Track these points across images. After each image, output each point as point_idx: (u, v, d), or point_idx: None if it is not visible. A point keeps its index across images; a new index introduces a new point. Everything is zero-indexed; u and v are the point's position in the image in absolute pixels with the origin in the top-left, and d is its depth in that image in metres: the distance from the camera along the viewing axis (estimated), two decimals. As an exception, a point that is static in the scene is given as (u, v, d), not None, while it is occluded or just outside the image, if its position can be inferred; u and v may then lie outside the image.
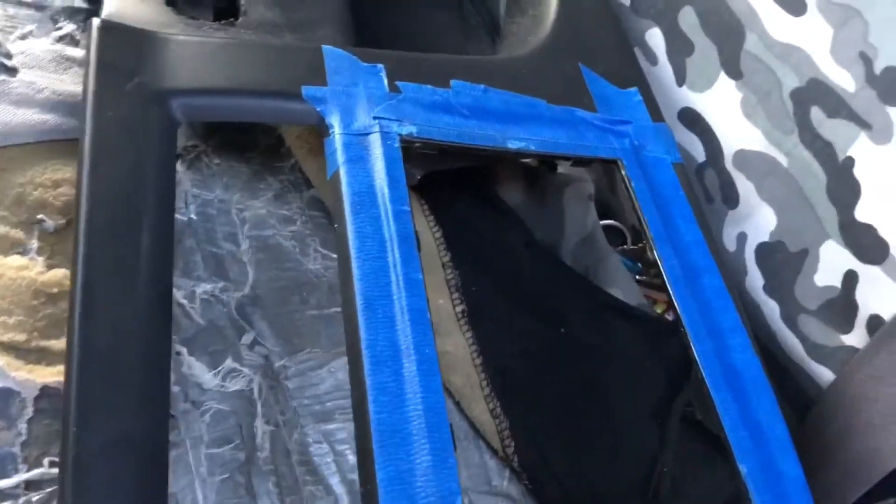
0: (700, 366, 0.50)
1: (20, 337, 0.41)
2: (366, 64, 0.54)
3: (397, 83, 0.54)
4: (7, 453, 0.39)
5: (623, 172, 0.57)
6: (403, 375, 0.42)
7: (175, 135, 0.49)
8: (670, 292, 0.53)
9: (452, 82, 0.56)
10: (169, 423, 0.40)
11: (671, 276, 0.53)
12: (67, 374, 0.38)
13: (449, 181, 0.62)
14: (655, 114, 0.62)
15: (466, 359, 0.55)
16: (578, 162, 0.61)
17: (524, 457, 0.54)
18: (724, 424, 0.49)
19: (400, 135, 0.51)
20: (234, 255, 0.53)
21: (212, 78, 0.50)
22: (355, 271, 0.44)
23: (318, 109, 0.50)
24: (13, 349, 0.41)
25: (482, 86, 0.57)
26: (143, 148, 0.46)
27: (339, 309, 0.53)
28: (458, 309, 0.57)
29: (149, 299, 0.41)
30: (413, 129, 0.52)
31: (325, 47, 0.54)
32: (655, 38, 0.68)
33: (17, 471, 0.38)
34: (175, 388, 0.44)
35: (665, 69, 0.68)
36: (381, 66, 0.54)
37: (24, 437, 0.39)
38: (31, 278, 0.42)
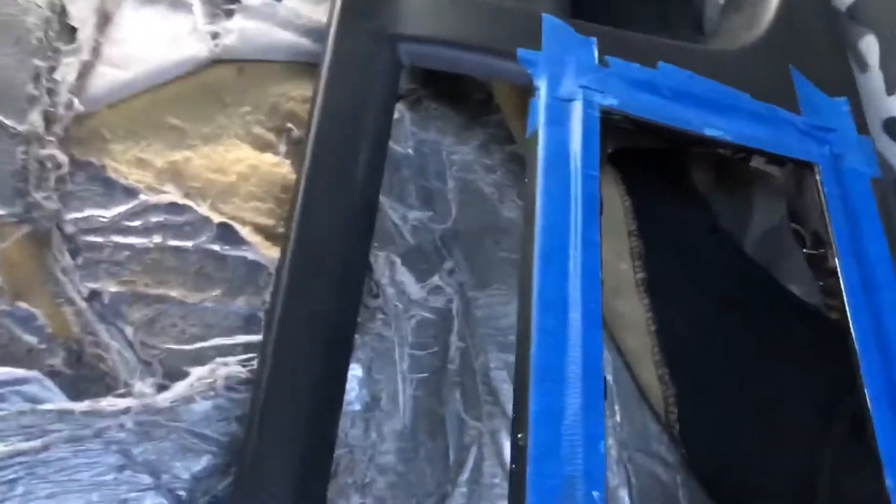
0: (862, 376, 0.50)
1: (269, 221, 0.47)
2: (580, 35, 0.57)
3: (606, 57, 0.56)
4: (254, 315, 0.44)
5: (818, 178, 0.57)
6: (568, 323, 0.45)
7: (398, 75, 0.54)
8: (845, 302, 0.53)
9: (660, 64, 0.58)
10: (359, 309, 0.45)
11: (848, 287, 0.53)
12: (282, 257, 0.44)
13: (643, 157, 0.64)
14: (862, 126, 0.61)
15: (641, 324, 0.57)
16: (773, 160, 0.62)
17: (686, 426, 0.55)
18: (877, 436, 0.49)
19: (601, 105, 0.53)
20: (441, 191, 0.57)
21: (438, 28, 0.55)
22: (538, 224, 0.47)
23: (529, 71, 0.54)
24: (263, 231, 0.46)
25: (688, 72, 0.58)
26: (370, 81, 0.51)
27: (525, 255, 0.56)
28: (639, 276, 0.59)
29: (357, 206, 0.47)
30: (615, 102, 0.54)
31: (545, 15, 0.57)
32: (870, 45, 0.68)
33: (259, 331, 0.43)
34: (390, 290, 0.48)
35: (875, 77, 0.67)
36: (593, 38, 0.57)
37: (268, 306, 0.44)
38: (281, 175, 0.48)
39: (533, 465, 0.40)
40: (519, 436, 0.41)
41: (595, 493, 0.41)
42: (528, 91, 0.55)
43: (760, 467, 0.57)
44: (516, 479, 0.41)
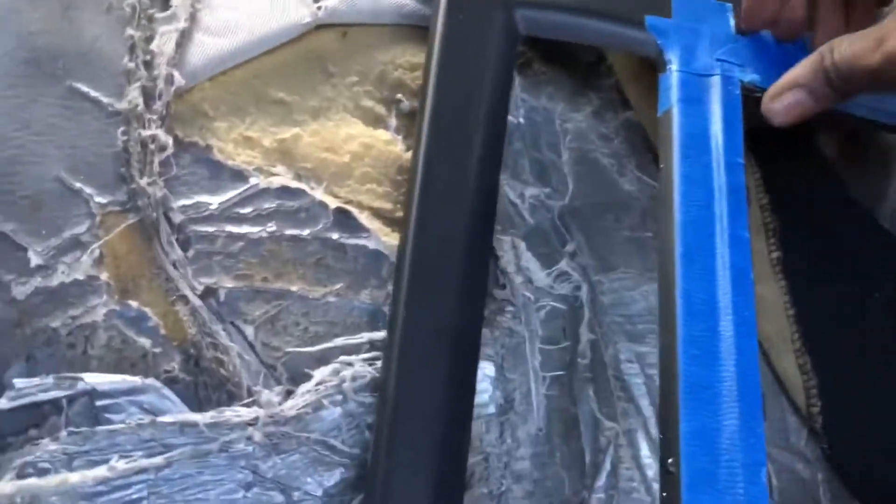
0: None
1: (387, 206, 0.42)
2: (714, 1, 0.52)
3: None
4: (378, 310, 0.40)
5: None
6: (719, 333, 0.40)
7: (516, 44, 0.49)
8: None
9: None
10: (485, 300, 0.41)
11: None
12: (401, 246, 0.40)
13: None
14: None
15: (779, 308, 0.52)
16: None
17: (829, 420, 0.51)
18: None
19: (742, 81, 0.49)
20: (555, 164, 0.52)
21: None
22: (677, 217, 0.43)
23: (658, 42, 0.49)
24: (382, 216, 0.42)
25: None
26: (486, 51, 0.47)
27: (650, 234, 0.52)
28: (774, 255, 0.54)
29: (480, 187, 0.43)
30: (756, 78, 0.49)
31: None
32: None
33: (384, 327, 0.39)
34: (518, 279, 0.44)
35: None
36: (729, 4, 0.52)
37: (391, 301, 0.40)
38: (396, 154, 0.44)
39: (687, 494, 0.36)
40: (669, 461, 0.38)
41: None
42: (653, 63, 0.50)
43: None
44: None
